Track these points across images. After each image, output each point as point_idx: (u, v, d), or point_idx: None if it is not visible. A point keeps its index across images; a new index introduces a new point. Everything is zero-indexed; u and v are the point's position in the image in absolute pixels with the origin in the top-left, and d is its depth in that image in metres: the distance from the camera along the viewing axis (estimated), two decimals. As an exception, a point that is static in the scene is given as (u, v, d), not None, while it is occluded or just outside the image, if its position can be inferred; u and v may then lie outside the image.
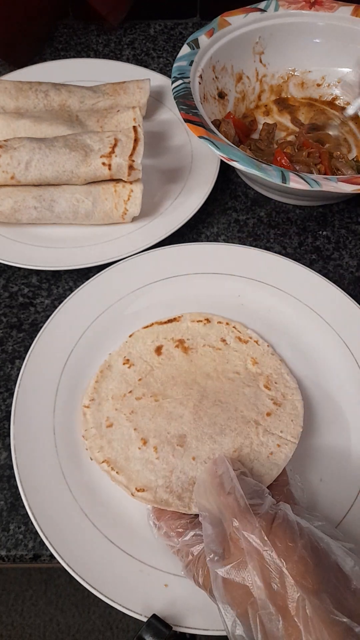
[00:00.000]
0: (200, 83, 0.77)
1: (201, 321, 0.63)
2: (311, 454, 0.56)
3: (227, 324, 0.63)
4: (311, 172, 0.74)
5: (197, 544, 0.45)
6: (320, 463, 0.55)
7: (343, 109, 0.88)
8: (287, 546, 0.39)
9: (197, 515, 0.47)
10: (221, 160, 0.75)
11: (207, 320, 0.63)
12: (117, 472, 0.51)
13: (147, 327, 0.62)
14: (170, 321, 0.63)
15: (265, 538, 0.40)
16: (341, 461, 0.55)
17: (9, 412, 0.59)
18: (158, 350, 0.60)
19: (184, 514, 0.48)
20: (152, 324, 0.63)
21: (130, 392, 0.57)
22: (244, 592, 0.40)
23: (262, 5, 0.84)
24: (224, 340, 0.62)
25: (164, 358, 0.60)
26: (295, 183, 0.63)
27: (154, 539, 0.49)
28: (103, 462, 0.52)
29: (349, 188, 0.63)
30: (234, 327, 0.63)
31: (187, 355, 0.60)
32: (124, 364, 0.59)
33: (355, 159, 0.81)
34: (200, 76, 0.77)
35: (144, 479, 0.51)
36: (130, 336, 0.62)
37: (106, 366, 0.59)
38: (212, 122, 0.73)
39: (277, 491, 0.49)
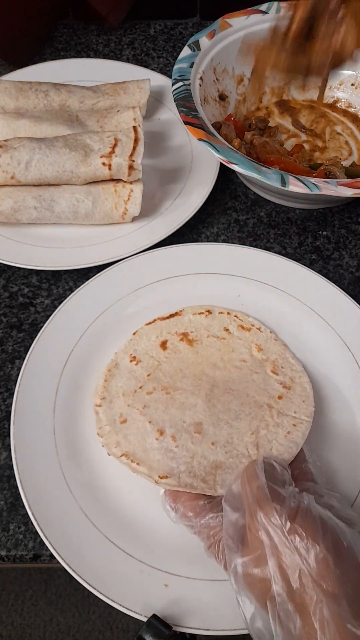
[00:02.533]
0: (200, 85, 0.77)
1: (202, 313, 0.63)
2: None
3: (229, 313, 0.64)
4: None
5: (217, 527, 0.44)
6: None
7: (345, 111, 0.88)
8: (308, 544, 0.38)
9: (212, 498, 0.47)
10: (221, 161, 0.75)
11: (209, 311, 0.64)
12: (137, 464, 0.52)
13: (149, 323, 0.63)
14: (172, 316, 0.63)
15: (287, 534, 0.39)
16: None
17: (9, 412, 0.59)
18: (163, 345, 0.61)
19: (200, 495, 0.48)
20: (155, 320, 0.63)
21: (141, 387, 0.57)
22: (263, 585, 0.39)
23: (263, 7, 0.84)
24: (227, 330, 0.62)
25: (170, 352, 0.60)
26: (295, 186, 0.63)
27: (172, 523, 0.48)
28: (122, 455, 0.53)
29: (348, 192, 0.63)
30: (235, 316, 0.63)
31: (193, 347, 0.61)
32: (130, 361, 0.60)
33: (352, 165, 0.81)
34: (201, 78, 0.77)
35: (166, 467, 0.51)
36: (134, 333, 0.62)
37: (113, 365, 0.60)
38: (212, 124, 0.73)
39: (295, 467, 0.49)
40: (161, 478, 0.50)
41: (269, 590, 0.38)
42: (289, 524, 0.39)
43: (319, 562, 0.38)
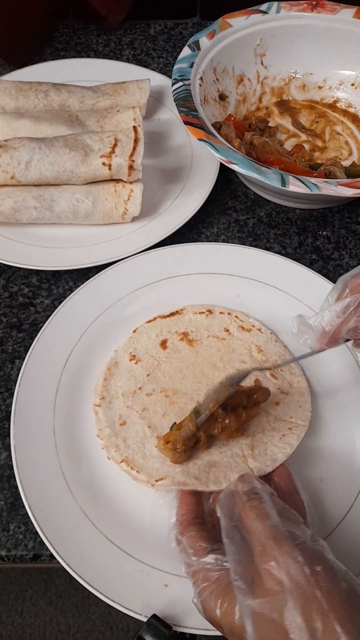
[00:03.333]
0: (200, 85, 0.77)
1: (203, 312, 0.63)
2: (311, 454, 0.56)
3: (229, 313, 0.64)
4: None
5: (217, 570, 0.41)
6: (321, 463, 0.55)
7: (345, 111, 0.88)
8: (330, 587, 0.36)
9: (215, 543, 0.44)
10: (221, 161, 0.75)
11: (209, 311, 0.64)
12: (137, 472, 0.52)
13: (150, 321, 0.63)
14: (172, 314, 0.63)
15: (310, 574, 0.37)
16: (341, 462, 0.55)
17: (9, 412, 0.59)
18: (163, 344, 0.61)
19: (208, 536, 0.45)
20: (155, 317, 0.63)
21: (140, 388, 0.58)
22: (276, 631, 0.36)
23: (263, 7, 0.84)
24: (227, 330, 0.62)
25: (169, 352, 0.60)
26: (295, 186, 0.63)
27: (170, 549, 0.46)
28: (122, 461, 0.53)
29: (349, 192, 0.63)
30: (236, 316, 0.63)
31: (193, 347, 0.61)
32: (130, 360, 0.60)
33: (352, 165, 0.81)
34: (201, 78, 0.77)
35: (164, 473, 0.52)
36: (134, 331, 0.62)
37: (113, 363, 0.60)
38: (212, 124, 0.73)
39: (288, 501, 0.47)
40: (157, 481, 0.51)
41: (286, 637, 0.36)
42: (310, 564, 0.37)
43: (342, 606, 0.36)
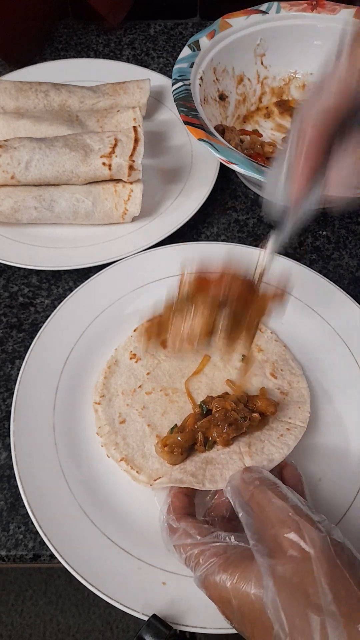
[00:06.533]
0: (200, 85, 0.77)
1: None
2: (310, 454, 0.56)
3: None
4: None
5: (224, 545, 0.42)
6: (320, 462, 0.55)
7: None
8: (350, 559, 0.38)
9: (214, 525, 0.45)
10: (221, 161, 0.75)
11: None
12: (137, 472, 0.52)
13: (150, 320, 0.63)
14: None
15: (331, 545, 0.38)
16: (340, 461, 0.55)
17: (9, 412, 0.59)
18: (163, 342, 0.61)
19: (204, 525, 0.45)
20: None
21: (140, 386, 0.58)
22: (297, 594, 0.37)
23: (263, 7, 0.84)
24: None
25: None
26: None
27: (162, 542, 0.47)
28: (121, 460, 0.53)
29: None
30: None
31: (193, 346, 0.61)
32: (130, 358, 0.60)
33: None
34: (201, 78, 0.77)
35: (162, 473, 0.52)
36: (134, 330, 0.62)
37: (113, 361, 0.60)
38: (215, 127, 0.73)
39: (293, 487, 0.48)
40: (154, 480, 0.51)
41: (307, 600, 0.36)
42: (332, 541, 0.39)
43: None
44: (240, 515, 0.44)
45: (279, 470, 0.51)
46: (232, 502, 0.46)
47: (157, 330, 0.53)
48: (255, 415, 0.53)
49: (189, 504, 0.49)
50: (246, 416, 0.53)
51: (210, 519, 0.48)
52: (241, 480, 0.46)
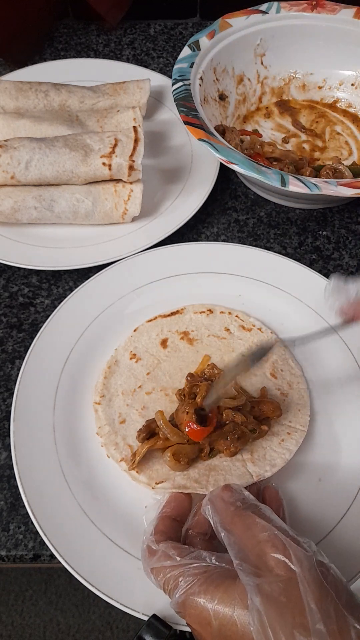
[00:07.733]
0: (200, 85, 0.77)
1: (204, 312, 0.64)
2: (310, 454, 0.56)
3: (230, 313, 0.64)
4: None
5: (205, 565, 0.41)
6: (319, 463, 0.55)
7: (345, 111, 0.88)
8: (334, 580, 0.38)
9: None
10: (221, 161, 0.75)
11: (210, 310, 0.64)
12: (137, 472, 0.52)
13: (150, 320, 0.63)
14: (173, 314, 0.63)
15: (318, 568, 0.38)
16: (340, 462, 0.55)
17: (9, 412, 0.59)
18: (163, 343, 0.61)
19: (183, 547, 0.44)
20: (156, 317, 0.63)
21: (140, 386, 0.58)
22: (284, 612, 0.36)
23: (263, 7, 0.84)
24: (227, 330, 0.62)
25: (170, 350, 0.60)
26: (295, 186, 0.63)
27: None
28: (121, 460, 0.53)
29: (348, 192, 0.63)
30: (236, 316, 0.63)
31: (193, 346, 0.61)
32: (130, 358, 0.60)
33: (352, 165, 0.81)
34: (201, 78, 0.78)
35: (164, 475, 0.52)
36: (134, 330, 0.62)
37: (113, 361, 0.60)
38: (215, 127, 0.73)
39: (275, 511, 0.46)
40: (157, 483, 0.51)
41: (293, 619, 0.36)
42: (315, 559, 0.39)
43: (345, 604, 0.37)
44: (222, 535, 0.42)
45: (262, 491, 0.51)
46: (212, 522, 0.44)
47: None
48: (264, 427, 0.53)
49: (175, 530, 0.47)
50: (255, 429, 0.53)
51: (191, 538, 0.46)
52: (220, 500, 0.45)
